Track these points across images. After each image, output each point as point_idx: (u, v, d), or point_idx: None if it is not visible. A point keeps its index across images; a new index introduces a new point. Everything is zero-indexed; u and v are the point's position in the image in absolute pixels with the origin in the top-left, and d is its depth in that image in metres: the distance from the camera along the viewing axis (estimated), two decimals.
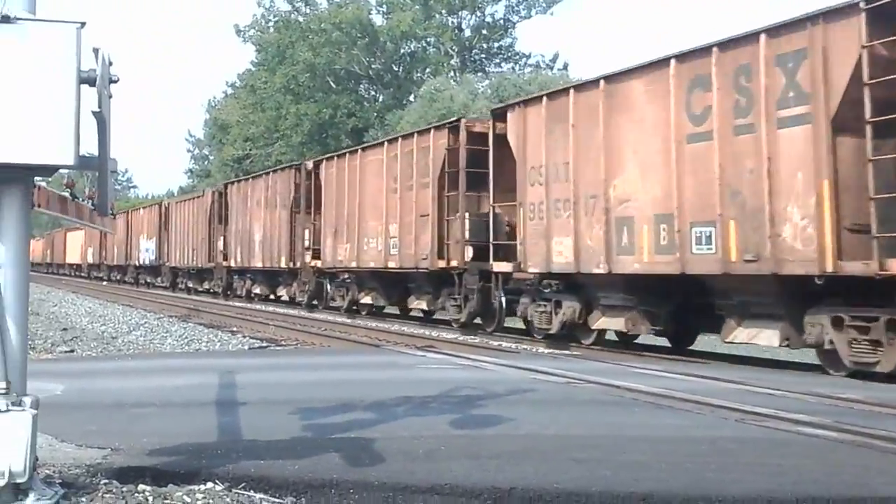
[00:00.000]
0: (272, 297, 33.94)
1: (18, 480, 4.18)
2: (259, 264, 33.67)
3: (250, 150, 64.06)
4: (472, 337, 19.61)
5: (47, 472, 5.16)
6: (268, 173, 34.62)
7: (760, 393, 9.73)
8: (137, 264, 51.38)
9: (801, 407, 8.65)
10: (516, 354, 15.68)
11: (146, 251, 49.17)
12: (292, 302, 31.77)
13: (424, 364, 12.68)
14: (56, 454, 5.71)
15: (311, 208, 29.44)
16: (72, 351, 16.96)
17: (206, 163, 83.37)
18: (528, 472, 5.66)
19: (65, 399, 8.51)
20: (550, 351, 16.62)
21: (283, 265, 31.33)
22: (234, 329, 22.26)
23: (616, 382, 10.19)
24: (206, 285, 41.73)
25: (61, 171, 4.59)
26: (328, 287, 28.74)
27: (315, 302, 29.64)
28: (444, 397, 8.94)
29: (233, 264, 36.77)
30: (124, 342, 18.96)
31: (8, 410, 4.25)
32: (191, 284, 43.89)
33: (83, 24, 4.17)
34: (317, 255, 28.74)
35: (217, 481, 5.30)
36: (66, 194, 5.34)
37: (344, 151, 28.89)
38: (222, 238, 37.86)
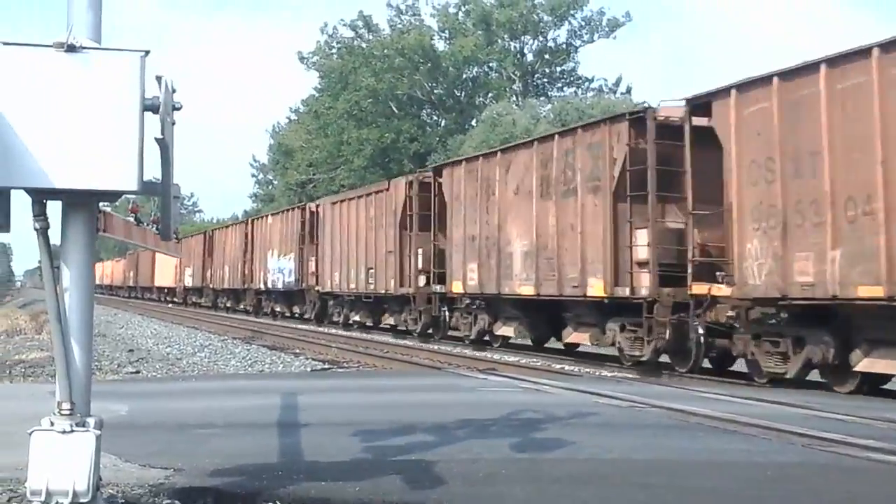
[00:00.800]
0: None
1: (82, 500, 4.24)
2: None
3: (314, 174, 64.63)
4: (534, 360, 19.52)
5: (111, 491, 5.23)
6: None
7: (827, 418, 9.57)
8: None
9: (870, 432, 8.49)
10: (579, 378, 15.59)
11: (279, 271, 39.67)
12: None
13: (485, 387, 12.65)
14: (120, 474, 5.79)
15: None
16: (137, 372, 17.20)
17: (270, 187, 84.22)
18: (589, 497, 5.63)
19: (129, 420, 8.62)
20: (614, 374, 16.48)
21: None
22: (297, 351, 22.40)
23: (680, 406, 10.08)
24: (295, 309, 38.58)
25: (127, 196, 4.67)
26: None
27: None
28: (505, 420, 8.91)
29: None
30: (189, 364, 19.18)
31: (72, 431, 4.31)
32: (277, 308, 40.69)
33: (147, 52, 4.25)
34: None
35: (278, 502, 5.34)
36: (131, 219, 5.43)
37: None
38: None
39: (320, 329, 31.70)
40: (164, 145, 4.36)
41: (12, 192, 4.43)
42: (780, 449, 7.61)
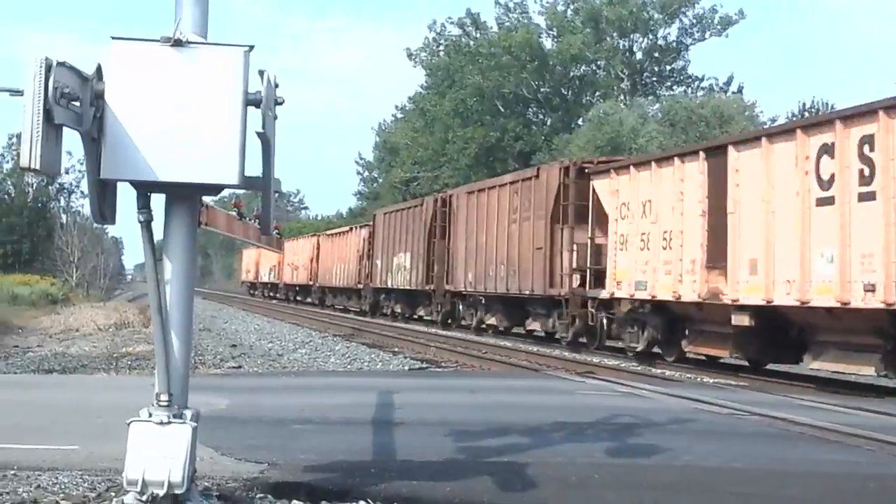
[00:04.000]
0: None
1: (177, 491, 4.30)
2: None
3: (418, 172, 64.97)
4: (634, 364, 19.30)
5: (206, 484, 5.30)
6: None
7: None
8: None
9: None
10: (679, 383, 15.36)
11: (403, 269, 35.90)
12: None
13: (582, 390, 12.54)
14: (216, 467, 5.86)
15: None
16: (239, 367, 17.46)
17: (374, 185, 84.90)
18: None
19: (228, 413, 8.74)
20: (715, 381, 16.21)
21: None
22: (396, 349, 22.51)
23: (781, 415, 9.84)
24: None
25: (232, 191, 4.71)
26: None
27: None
28: (601, 424, 8.81)
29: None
30: (289, 360, 19.41)
31: (169, 422, 4.37)
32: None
33: (251, 47, 4.29)
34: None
35: (369, 500, 5.34)
36: (234, 213, 5.50)
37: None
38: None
39: (432, 331, 30.10)
40: (266, 140, 4.39)
41: (119, 185, 4.52)
42: (884, 461, 7.39)
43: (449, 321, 31.46)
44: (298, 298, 57.01)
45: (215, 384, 11.58)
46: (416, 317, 36.23)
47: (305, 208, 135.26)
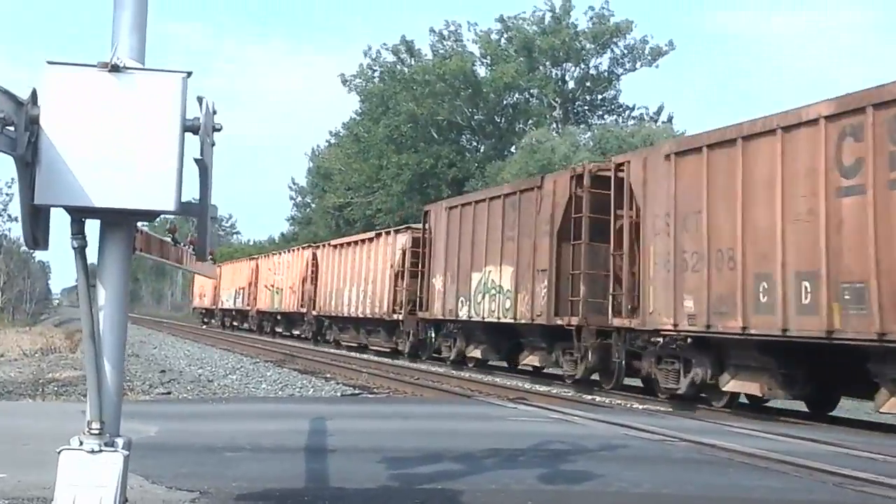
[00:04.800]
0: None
1: None
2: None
3: (352, 198, 64.87)
4: (566, 391, 19.41)
5: None
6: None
7: (860, 457, 9.45)
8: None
9: None
10: (609, 409, 15.48)
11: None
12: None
13: (515, 416, 12.59)
14: (146, 496, 5.79)
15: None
16: (168, 393, 17.26)
17: (307, 210, 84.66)
18: None
19: (158, 441, 8.64)
20: (645, 407, 16.37)
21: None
22: (328, 376, 22.40)
23: (711, 441, 9.98)
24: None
25: (165, 216, 4.69)
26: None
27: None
28: (534, 451, 8.86)
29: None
30: (220, 386, 19.23)
31: (101, 451, 4.31)
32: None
33: (189, 73, 4.28)
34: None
35: None
36: (168, 239, 5.46)
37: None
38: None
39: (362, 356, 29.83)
40: (204, 166, 4.38)
41: (52, 210, 4.47)
42: (811, 488, 7.51)
43: (417, 354, 29.02)
44: (281, 331, 45.60)
45: (144, 411, 11.44)
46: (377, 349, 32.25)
47: (237, 233, 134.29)
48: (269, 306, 46.62)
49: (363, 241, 34.84)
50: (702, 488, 7.34)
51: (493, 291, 23.26)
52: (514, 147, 58.74)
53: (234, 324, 56.11)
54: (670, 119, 60.94)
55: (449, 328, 26.67)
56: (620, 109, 63.51)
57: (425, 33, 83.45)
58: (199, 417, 11.78)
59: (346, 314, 35.30)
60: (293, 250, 44.80)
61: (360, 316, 33.71)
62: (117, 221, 4.46)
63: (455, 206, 26.58)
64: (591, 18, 60.05)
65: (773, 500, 6.89)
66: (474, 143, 63.86)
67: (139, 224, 4.70)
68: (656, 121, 60.03)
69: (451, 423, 11.72)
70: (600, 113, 63.62)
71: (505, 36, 62.23)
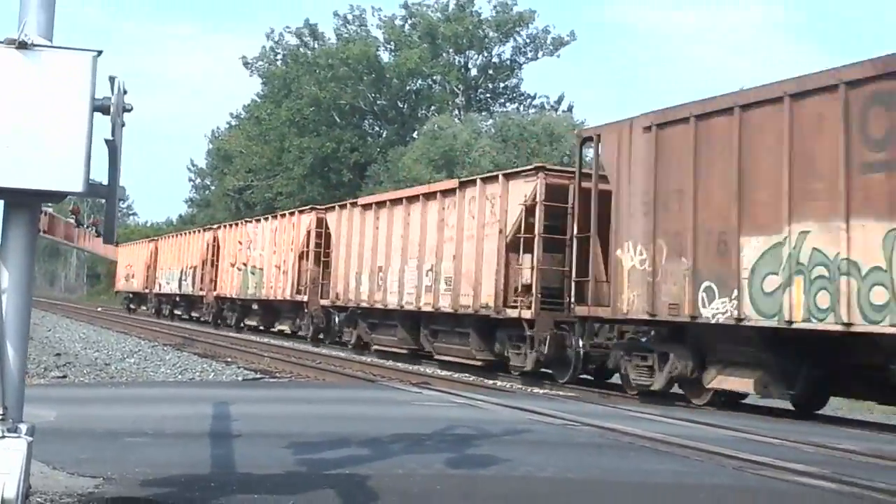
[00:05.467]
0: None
1: None
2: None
3: (252, 181, 64.25)
4: (467, 375, 19.52)
5: (38, 500, 5.13)
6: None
7: (759, 441, 9.69)
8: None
9: (799, 457, 8.61)
10: (512, 394, 15.62)
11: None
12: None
13: (420, 401, 12.62)
14: (48, 482, 5.67)
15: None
16: (64, 376, 16.89)
17: (206, 192, 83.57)
18: None
19: (57, 426, 8.44)
20: (546, 392, 16.55)
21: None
22: (229, 360, 22.18)
23: (613, 426, 10.14)
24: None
25: (67, 198, 4.58)
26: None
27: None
28: (440, 435, 8.89)
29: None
30: (117, 369, 18.91)
31: (3, 437, 4.21)
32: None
33: (99, 52, 4.18)
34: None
35: None
36: (72, 221, 5.35)
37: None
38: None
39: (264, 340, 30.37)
40: (114, 147, 4.30)
41: None
42: (712, 471, 7.68)
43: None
44: (250, 325, 37.16)
45: (41, 395, 11.14)
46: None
47: (134, 214, 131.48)
48: (240, 292, 37.01)
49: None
50: (605, 472, 7.46)
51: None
52: (416, 133, 58.84)
53: (177, 312, 47.20)
54: (570, 108, 61.60)
55: None
56: (522, 98, 64.07)
57: (329, 17, 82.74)
58: (97, 402, 11.57)
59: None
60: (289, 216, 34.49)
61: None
62: (22, 202, 4.34)
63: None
64: (495, 7, 60.40)
65: (674, 484, 7.02)
66: (377, 128, 63.83)
67: (44, 205, 4.60)
68: (556, 110, 60.67)
69: (357, 408, 11.70)
70: (502, 101, 64.05)
71: (409, 22, 62.18)
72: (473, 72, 62.76)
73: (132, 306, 56.32)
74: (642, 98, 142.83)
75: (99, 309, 57.08)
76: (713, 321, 13.99)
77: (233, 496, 5.66)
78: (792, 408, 14.85)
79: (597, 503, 6.16)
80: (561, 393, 16.23)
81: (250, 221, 37.34)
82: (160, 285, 49.15)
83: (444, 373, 19.95)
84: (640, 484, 6.96)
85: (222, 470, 6.63)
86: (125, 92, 4.30)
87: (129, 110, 4.35)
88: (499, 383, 18.13)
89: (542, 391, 16.90)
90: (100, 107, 4.18)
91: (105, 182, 4.41)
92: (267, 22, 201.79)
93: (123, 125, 4.36)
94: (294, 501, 5.62)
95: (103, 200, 4.58)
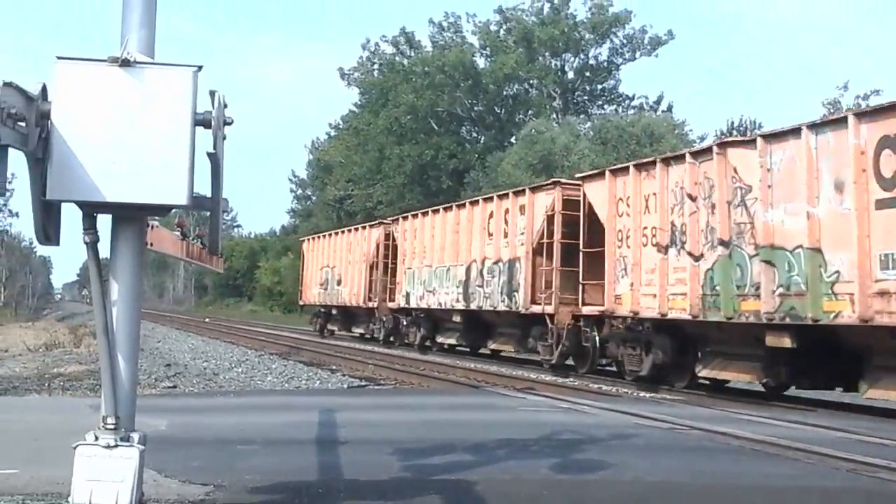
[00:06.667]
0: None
1: None
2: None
3: (352, 190, 64.84)
4: (572, 380, 19.39)
5: None
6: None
7: (871, 443, 9.44)
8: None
9: None
10: (617, 398, 15.47)
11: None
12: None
13: (524, 406, 12.58)
14: (161, 489, 5.78)
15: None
16: (175, 387, 17.21)
17: (308, 203, 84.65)
18: None
19: (169, 434, 8.62)
20: (652, 395, 16.37)
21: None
22: (334, 367, 22.39)
23: (721, 429, 9.97)
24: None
25: (173, 210, 4.66)
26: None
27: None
28: (545, 440, 8.85)
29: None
30: (226, 379, 19.19)
31: (117, 446, 4.30)
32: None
33: (200, 67, 4.26)
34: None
35: None
36: (178, 233, 5.45)
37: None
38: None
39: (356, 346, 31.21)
40: (216, 160, 4.36)
41: (63, 205, 4.44)
42: (825, 473, 7.51)
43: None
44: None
45: (152, 405, 11.39)
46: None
47: (238, 226, 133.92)
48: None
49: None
50: (715, 476, 7.33)
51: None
52: (514, 138, 58.68)
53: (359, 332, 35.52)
54: (670, 108, 61.01)
55: None
56: (620, 99, 63.56)
57: (425, 25, 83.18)
58: (207, 411, 11.77)
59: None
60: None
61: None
62: (129, 216, 4.44)
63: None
64: (590, 9, 60.09)
65: (788, 488, 6.87)
66: (474, 134, 63.85)
67: (150, 218, 4.68)
68: (656, 110, 60.00)
69: (461, 414, 11.71)
70: (600, 103, 63.66)
71: (504, 27, 62.20)
72: (570, 74, 62.50)
73: (330, 327, 38.71)
74: (742, 97, 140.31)
75: (206, 320, 58.22)
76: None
77: (340, 502, 5.71)
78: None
79: None
80: (667, 397, 16.01)
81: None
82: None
83: (549, 378, 19.83)
84: (752, 487, 6.82)
85: (329, 476, 6.69)
86: (225, 105, 4.36)
87: (229, 123, 4.41)
88: (604, 387, 17.95)
89: (647, 395, 16.70)
90: (201, 121, 4.25)
91: (209, 194, 4.49)
92: (361, 32, 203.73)
93: (224, 138, 4.42)
94: None
95: (208, 213, 4.66)
